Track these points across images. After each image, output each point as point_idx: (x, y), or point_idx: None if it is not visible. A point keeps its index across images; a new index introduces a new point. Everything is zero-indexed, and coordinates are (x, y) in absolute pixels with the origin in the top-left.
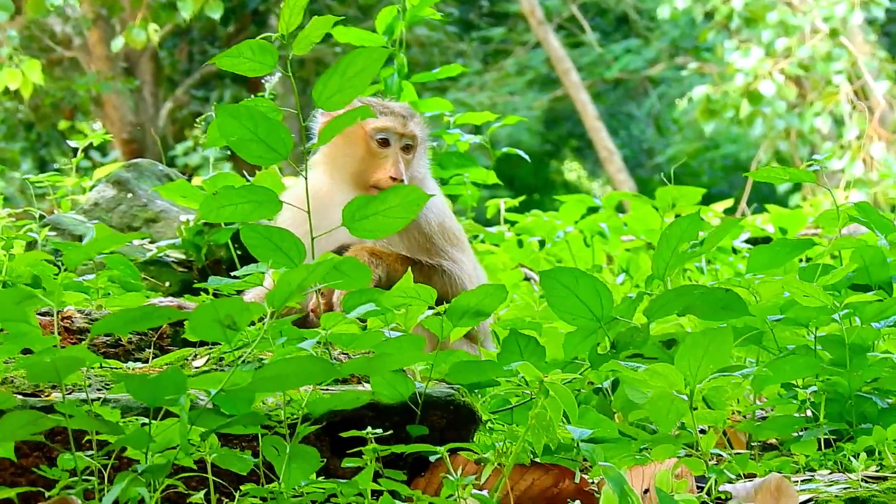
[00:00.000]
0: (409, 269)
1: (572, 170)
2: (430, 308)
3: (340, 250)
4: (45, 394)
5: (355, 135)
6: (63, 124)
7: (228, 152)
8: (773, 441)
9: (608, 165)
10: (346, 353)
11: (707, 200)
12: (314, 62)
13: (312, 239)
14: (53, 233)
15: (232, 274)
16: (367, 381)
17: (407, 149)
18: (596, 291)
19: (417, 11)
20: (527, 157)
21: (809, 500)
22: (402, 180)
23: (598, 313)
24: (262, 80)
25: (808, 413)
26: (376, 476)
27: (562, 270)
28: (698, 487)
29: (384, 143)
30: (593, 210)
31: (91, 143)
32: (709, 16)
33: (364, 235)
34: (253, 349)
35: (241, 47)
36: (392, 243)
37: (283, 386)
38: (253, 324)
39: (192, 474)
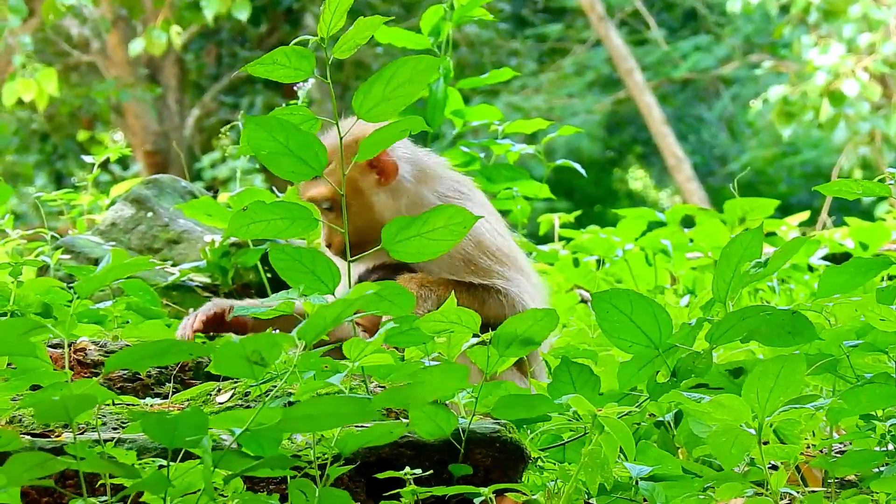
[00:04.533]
0: (457, 292)
1: (637, 178)
2: (475, 336)
3: (375, 271)
4: (56, 434)
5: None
6: (82, 135)
7: (257, 165)
8: (852, 477)
9: (676, 174)
10: (383, 387)
11: (785, 211)
12: (353, 65)
13: (349, 262)
14: (67, 256)
15: (261, 301)
16: (407, 417)
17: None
18: (653, 315)
19: (466, 11)
20: (583, 171)
21: None
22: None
23: (655, 339)
24: (295, 87)
25: (890, 447)
26: None
27: (615, 293)
28: None
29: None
30: (656, 225)
31: (109, 157)
32: (784, 9)
33: (405, 258)
34: (281, 385)
35: (275, 54)
36: (434, 273)
37: (314, 426)
38: None
39: None
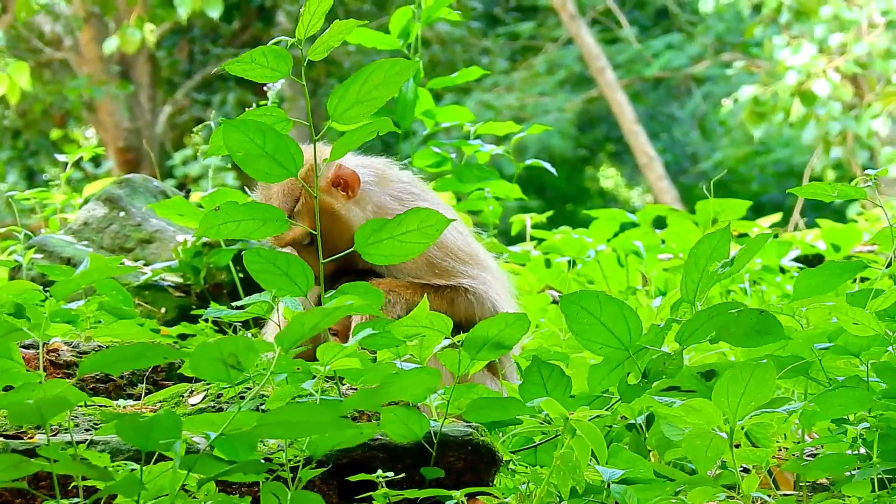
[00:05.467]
0: (426, 295)
1: (609, 177)
2: (446, 338)
3: (344, 274)
4: (29, 435)
5: None
6: (55, 134)
7: (229, 163)
8: (824, 481)
9: (648, 172)
10: (355, 388)
11: (757, 211)
12: (324, 62)
13: (321, 264)
14: (39, 255)
15: (234, 304)
16: (379, 419)
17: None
18: (622, 317)
19: (432, 13)
20: (553, 170)
21: None
22: None
23: (625, 341)
24: (265, 87)
25: (861, 451)
26: None
27: (584, 294)
28: None
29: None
30: (628, 226)
31: (82, 156)
32: (756, 8)
33: (377, 261)
34: (258, 390)
35: (253, 53)
36: (400, 277)
37: (289, 433)
38: None
39: None
